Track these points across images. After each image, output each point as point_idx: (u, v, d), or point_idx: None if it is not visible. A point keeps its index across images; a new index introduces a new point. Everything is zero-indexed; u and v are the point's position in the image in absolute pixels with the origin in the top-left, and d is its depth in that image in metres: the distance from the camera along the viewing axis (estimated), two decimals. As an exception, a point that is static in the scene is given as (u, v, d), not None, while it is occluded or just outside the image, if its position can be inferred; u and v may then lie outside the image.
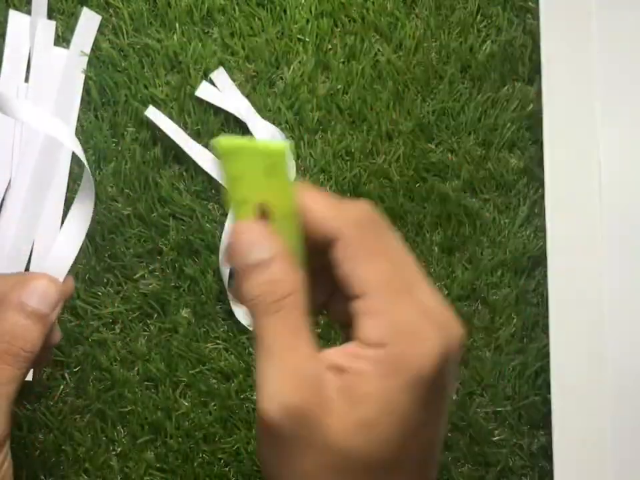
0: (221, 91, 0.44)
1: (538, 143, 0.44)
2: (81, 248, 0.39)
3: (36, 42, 0.43)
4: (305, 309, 0.27)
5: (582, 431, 0.41)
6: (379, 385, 0.25)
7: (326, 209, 0.27)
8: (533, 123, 0.45)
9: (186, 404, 0.42)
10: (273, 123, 0.44)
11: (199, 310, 0.43)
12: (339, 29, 0.45)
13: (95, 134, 0.43)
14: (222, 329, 0.43)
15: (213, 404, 0.43)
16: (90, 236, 0.42)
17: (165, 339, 0.43)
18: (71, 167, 0.43)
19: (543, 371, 0.43)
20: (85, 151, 0.43)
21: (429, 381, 0.25)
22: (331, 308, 0.29)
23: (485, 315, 0.44)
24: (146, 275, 0.43)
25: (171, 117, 0.43)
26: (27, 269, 0.42)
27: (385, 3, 0.45)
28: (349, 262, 0.27)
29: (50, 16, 0.44)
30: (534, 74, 0.45)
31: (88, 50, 0.44)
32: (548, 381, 0.42)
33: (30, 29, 0.43)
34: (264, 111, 0.44)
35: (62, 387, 0.42)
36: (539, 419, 0.43)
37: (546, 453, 0.43)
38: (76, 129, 0.43)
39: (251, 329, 0.42)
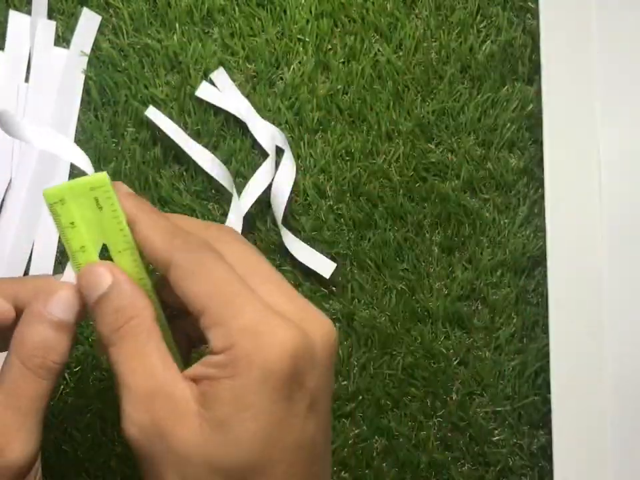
0: (221, 91, 0.44)
1: (538, 142, 0.44)
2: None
3: (36, 42, 0.43)
4: (153, 330, 0.28)
5: (582, 430, 0.41)
6: (228, 386, 0.26)
7: (159, 239, 0.28)
8: (533, 123, 0.45)
9: (186, 404, 0.42)
10: (273, 123, 0.44)
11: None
12: (338, 29, 0.45)
13: (95, 134, 0.43)
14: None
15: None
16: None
17: (165, 339, 0.43)
18: (71, 167, 0.43)
19: (543, 371, 0.43)
20: (85, 151, 0.43)
21: (280, 374, 0.26)
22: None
23: (485, 315, 0.44)
24: (146, 275, 0.43)
25: (171, 117, 0.43)
26: (27, 269, 0.42)
27: (385, 3, 0.45)
28: (182, 283, 0.27)
29: (50, 16, 0.44)
30: (534, 74, 0.45)
31: (88, 50, 0.44)
32: (548, 381, 0.42)
33: (30, 29, 0.43)
34: (264, 111, 0.44)
35: (62, 387, 0.42)
36: (538, 418, 0.43)
37: (546, 452, 0.43)
38: (76, 129, 0.43)
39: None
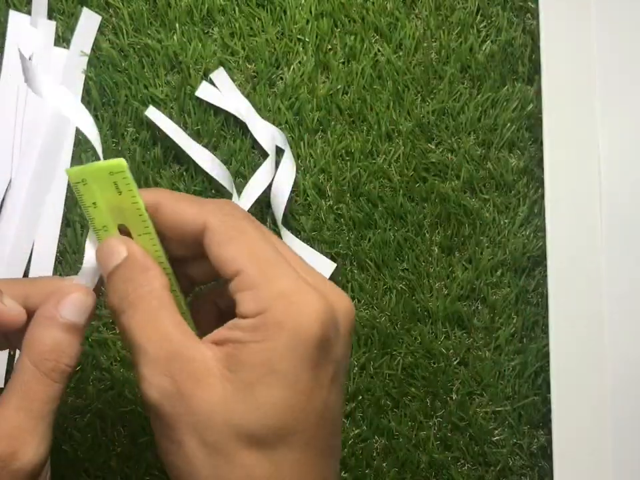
0: (221, 91, 0.44)
1: (538, 142, 0.44)
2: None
3: (36, 42, 0.43)
4: (165, 298, 0.28)
5: (582, 430, 0.41)
6: (257, 349, 0.26)
7: (189, 207, 0.28)
8: (533, 123, 0.45)
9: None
10: (273, 123, 0.44)
11: (199, 310, 0.43)
12: (338, 29, 0.45)
13: (95, 134, 0.43)
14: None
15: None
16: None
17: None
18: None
19: (543, 370, 0.43)
20: (86, 151, 0.43)
21: (310, 342, 0.26)
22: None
23: (485, 315, 0.44)
24: (146, 275, 0.43)
25: (171, 117, 0.43)
26: (27, 269, 0.42)
27: (385, 3, 0.45)
28: (218, 246, 0.27)
29: (50, 16, 0.44)
30: (534, 74, 0.45)
31: (88, 50, 0.44)
32: (548, 381, 0.42)
33: (30, 29, 0.43)
34: (264, 111, 0.44)
35: (62, 386, 0.42)
36: (538, 418, 0.43)
37: (546, 452, 0.43)
38: (76, 129, 0.43)
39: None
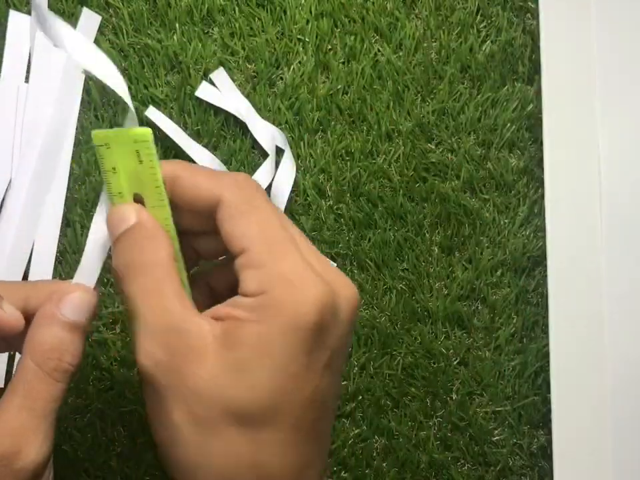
0: (221, 91, 0.44)
1: (538, 142, 0.44)
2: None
3: (36, 42, 0.43)
4: (171, 269, 0.28)
5: (582, 430, 0.41)
6: (254, 329, 0.26)
7: (205, 181, 0.28)
8: (533, 123, 0.45)
9: (186, 404, 0.42)
10: (273, 123, 0.44)
11: (199, 310, 0.43)
12: (338, 29, 0.45)
13: (95, 134, 0.43)
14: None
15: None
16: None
17: (165, 339, 0.43)
18: (71, 167, 0.43)
19: (543, 370, 0.43)
20: (85, 151, 0.43)
21: (306, 327, 0.26)
22: None
23: (485, 315, 0.44)
24: (146, 275, 0.43)
25: (171, 117, 0.43)
26: (27, 269, 0.42)
27: (385, 3, 0.45)
28: (230, 221, 0.27)
29: (50, 16, 0.44)
30: (534, 74, 0.45)
31: (88, 50, 0.44)
32: (548, 381, 0.42)
33: (30, 29, 0.43)
34: (264, 111, 0.44)
35: (62, 386, 0.42)
36: (538, 418, 0.43)
37: (546, 452, 0.43)
38: (76, 129, 0.43)
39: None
